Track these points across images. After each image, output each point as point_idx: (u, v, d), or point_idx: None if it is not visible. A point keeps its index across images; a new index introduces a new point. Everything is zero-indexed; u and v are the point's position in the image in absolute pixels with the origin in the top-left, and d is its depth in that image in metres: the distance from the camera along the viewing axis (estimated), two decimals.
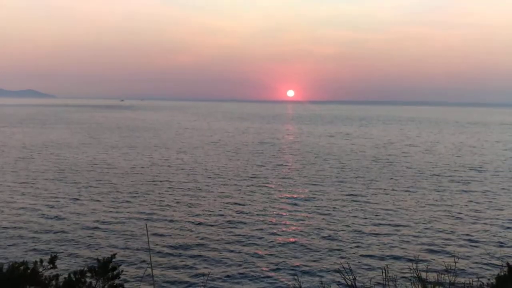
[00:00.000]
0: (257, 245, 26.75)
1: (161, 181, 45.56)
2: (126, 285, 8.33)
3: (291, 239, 27.82)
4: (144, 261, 23.92)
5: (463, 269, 22.80)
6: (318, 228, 29.97)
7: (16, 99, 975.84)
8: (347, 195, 39.87)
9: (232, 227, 30.10)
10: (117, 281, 8.45)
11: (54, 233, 28.58)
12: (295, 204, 36.70)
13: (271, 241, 27.42)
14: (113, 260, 8.54)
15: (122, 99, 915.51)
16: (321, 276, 22.14)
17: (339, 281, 20.13)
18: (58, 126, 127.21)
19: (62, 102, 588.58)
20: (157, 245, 26.48)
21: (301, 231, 29.42)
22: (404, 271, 22.07)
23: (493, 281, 8.35)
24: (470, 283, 8.08)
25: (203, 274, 22.06)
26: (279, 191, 41.96)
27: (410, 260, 23.82)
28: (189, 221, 31.41)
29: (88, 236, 27.99)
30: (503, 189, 43.27)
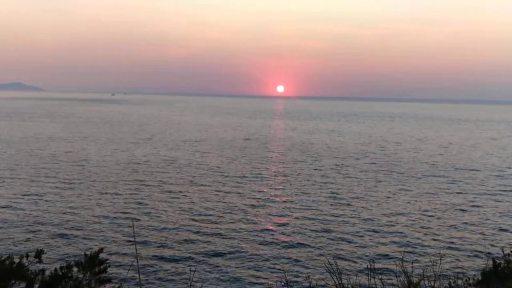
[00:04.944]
0: (244, 240, 26.79)
1: (147, 177, 45.42)
2: (112, 279, 8.30)
3: (277, 235, 27.89)
4: (130, 255, 23.86)
5: (448, 264, 23.02)
6: (304, 224, 30.08)
7: (3, 92, 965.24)
8: (333, 191, 40.04)
9: (218, 223, 30.11)
10: (104, 275, 8.42)
11: (41, 227, 28.38)
12: (282, 200, 36.81)
13: (257, 237, 27.47)
14: (100, 254, 8.50)
15: (113, 93, 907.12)
16: (308, 272, 22.23)
17: (325, 276, 20.24)
18: (46, 120, 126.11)
19: (49, 96, 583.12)
20: (143, 240, 26.42)
21: (287, 227, 29.51)
22: (389, 265, 22.24)
23: (478, 276, 8.45)
24: (455, 277, 8.15)
25: (190, 269, 22.04)
26: (265, 187, 42.03)
27: (395, 255, 24.01)
28: (175, 216, 31.36)
29: (75, 231, 27.84)
30: (487, 185, 43.73)
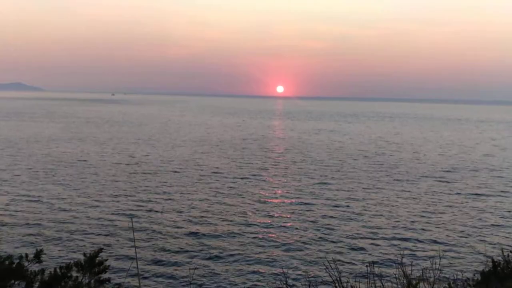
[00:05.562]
0: (243, 241, 26.77)
1: (147, 177, 45.41)
2: (111, 279, 8.31)
3: (277, 235, 27.88)
4: (129, 255, 23.85)
5: (447, 265, 23.01)
6: (303, 224, 30.07)
7: (3, 92, 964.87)
8: (332, 192, 40.02)
9: (217, 223, 30.09)
10: (103, 276, 8.43)
11: (40, 227, 28.36)
12: (280, 201, 36.80)
13: (257, 237, 27.46)
14: (99, 254, 8.52)
15: (113, 93, 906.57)
16: (307, 272, 22.23)
17: (324, 277, 20.24)
18: (46, 121, 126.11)
19: (49, 96, 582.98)
20: (142, 239, 26.42)
21: (286, 227, 29.50)
22: (389, 267, 22.23)
23: (478, 276, 8.45)
24: (454, 278, 8.16)
25: (189, 269, 22.05)
26: (264, 188, 42.03)
27: (395, 256, 23.98)
28: (174, 217, 31.35)
29: (75, 231, 27.83)
30: (486, 186, 43.73)
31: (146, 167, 50.54)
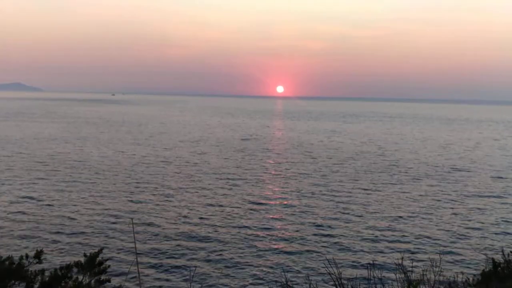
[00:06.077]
0: (243, 241, 26.76)
1: (146, 177, 45.38)
2: (112, 279, 8.31)
3: (277, 236, 27.87)
4: (130, 255, 23.84)
5: (447, 265, 23.02)
6: (303, 225, 30.07)
7: (2, 92, 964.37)
8: (331, 192, 40.01)
9: (217, 223, 30.08)
10: (103, 276, 8.43)
11: (40, 228, 28.35)
12: (280, 201, 36.79)
13: (257, 237, 27.46)
14: (100, 255, 8.51)
15: (113, 93, 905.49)
16: (308, 272, 22.23)
17: (325, 277, 20.27)
18: (45, 121, 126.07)
19: (49, 96, 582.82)
20: (142, 240, 26.41)
21: (286, 228, 29.50)
22: (389, 267, 22.22)
23: (478, 276, 8.45)
24: (455, 278, 8.16)
25: (189, 269, 22.04)
26: (264, 188, 42.01)
27: (395, 255, 23.98)
28: (174, 216, 31.34)
29: (75, 231, 27.82)
30: (487, 186, 43.74)
31: (145, 168, 50.52)
